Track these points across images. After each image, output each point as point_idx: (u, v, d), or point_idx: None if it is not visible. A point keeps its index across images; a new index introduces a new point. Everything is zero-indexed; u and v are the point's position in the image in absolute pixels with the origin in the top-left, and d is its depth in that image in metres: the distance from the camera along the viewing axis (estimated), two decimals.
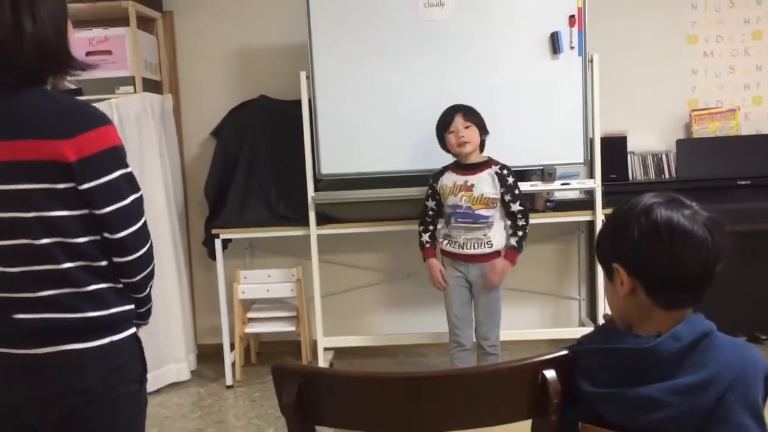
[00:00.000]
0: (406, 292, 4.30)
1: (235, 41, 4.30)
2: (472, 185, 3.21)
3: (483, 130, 3.26)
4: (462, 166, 3.27)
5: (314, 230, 3.86)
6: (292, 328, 4.05)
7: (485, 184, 3.22)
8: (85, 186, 1.40)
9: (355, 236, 4.12)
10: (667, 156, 4.07)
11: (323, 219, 3.93)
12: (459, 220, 3.23)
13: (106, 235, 1.45)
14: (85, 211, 1.43)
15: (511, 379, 1.21)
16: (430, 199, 3.37)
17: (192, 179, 4.34)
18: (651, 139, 4.16)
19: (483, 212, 3.21)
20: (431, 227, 3.39)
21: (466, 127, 3.21)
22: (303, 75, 3.71)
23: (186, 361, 4.04)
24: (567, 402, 1.21)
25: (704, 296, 1.23)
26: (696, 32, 4.15)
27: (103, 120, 1.44)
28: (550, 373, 1.20)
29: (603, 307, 3.79)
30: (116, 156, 1.45)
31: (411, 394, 1.16)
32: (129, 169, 1.48)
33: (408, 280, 4.24)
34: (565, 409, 1.21)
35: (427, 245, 3.38)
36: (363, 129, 3.71)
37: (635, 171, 4.07)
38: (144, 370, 1.57)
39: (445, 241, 3.30)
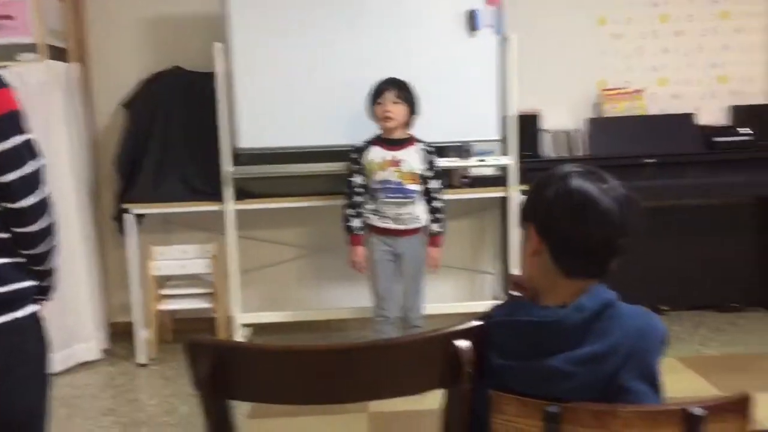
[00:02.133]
0: (327, 267, 4.30)
1: (148, 9, 4.15)
2: (401, 160, 3.26)
3: (413, 110, 3.28)
4: (388, 141, 3.30)
5: (231, 205, 3.80)
6: (209, 305, 3.99)
7: (413, 159, 3.29)
8: None
9: (275, 211, 4.08)
10: (578, 134, 4.19)
11: (241, 194, 3.87)
12: (390, 195, 3.27)
13: (6, 204, 1.38)
14: None
15: (425, 349, 1.24)
16: (355, 175, 3.36)
17: (103, 152, 4.18)
18: (563, 117, 4.28)
19: (412, 187, 3.26)
20: (360, 209, 3.37)
21: (395, 103, 3.23)
22: (218, 46, 3.62)
23: (96, 339, 3.92)
24: (479, 373, 1.25)
25: (609, 270, 1.28)
26: (606, 14, 4.28)
27: None
28: (462, 344, 1.23)
29: None
30: (14, 121, 1.38)
31: (325, 367, 1.17)
32: (29, 136, 1.41)
33: (329, 255, 4.24)
34: (477, 380, 1.24)
35: (357, 232, 3.37)
36: (282, 103, 3.67)
37: (548, 148, 4.18)
38: (47, 349, 1.51)
39: (375, 217, 3.32)
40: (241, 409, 3.18)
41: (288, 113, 3.66)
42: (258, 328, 4.18)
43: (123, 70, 4.13)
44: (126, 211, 3.80)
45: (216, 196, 3.81)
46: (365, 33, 3.64)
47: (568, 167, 1.30)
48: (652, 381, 1.21)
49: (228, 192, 3.78)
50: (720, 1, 4.28)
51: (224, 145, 3.70)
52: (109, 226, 4.17)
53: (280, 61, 3.64)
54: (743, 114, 4.20)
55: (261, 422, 3.08)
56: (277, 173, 3.80)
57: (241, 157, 3.77)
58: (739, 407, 1.18)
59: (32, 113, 1.54)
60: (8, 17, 3.54)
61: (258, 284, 4.30)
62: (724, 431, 1.17)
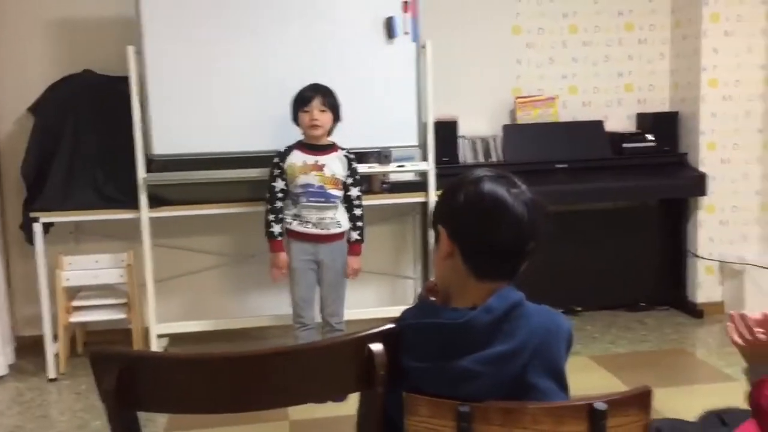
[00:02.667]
0: (247, 274, 4.24)
1: (57, 11, 3.99)
2: (323, 165, 3.26)
3: (337, 117, 3.29)
4: (311, 147, 3.30)
5: (146, 213, 3.70)
6: (123, 316, 3.87)
7: (335, 165, 3.30)
8: None
9: (193, 219, 4.00)
10: (494, 140, 4.29)
11: (157, 201, 3.77)
12: (311, 199, 3.26)
13: None
14: None
15: (339, 353, 1.24)
16: (277, 179, 3.34)
17: (8, 158, 4.00)
18: (480, 123, 4.37)
19: (334, 192, 3.27)
20: (281, 215, 3.34)
21: (322, 111, 3.24)
22: (131, 50, 3.53)
23: (2, 354, 3.74)
24: (393, 375, 1.26)
25: (518, 272, 1.31)
26: (520, 23, 4.41)
27: None
28: (376, 347, 1.24)
29: None
30: None
31: (236, 374, 1.16)
32: None
33: (250, 262, 4.18)
34: (391, 383, 1.25)
35: (278, 237, 3.34)
36: (198, 108, 3.60)
37: (465, 154, 4.26)
38: None
39: (295, 222, 3.30)
40: (158, 422, 3.10)
41: (204, 119, 3.60)
42: (176, 339, 4.08)
43: (30, 73, 3.96)
44: (34, 219, 3.64)
45: (130, 203, 3.71)
46: (283, 39, 3.62)
47: (479, 172, 1.33)
48: (558, 378, 1.25)
49: (143, 199, 3.68)
50: (624, 14, 4.48)
51: (138, 151, 3.61)
52: (14, 236, 3.99)
53: (196, 66, 3.57)
54: (648, 121, 4.40)
55: None
56: (194, 180, 3.72)
57: (156, 164, 3.68)
58: (639, 401, 1.24)
59: None
60: None
61: (175, 293, 4.20)
62: (626, 424, 1.22)
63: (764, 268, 4.16)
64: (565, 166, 4.20)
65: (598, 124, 4.37)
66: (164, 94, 3.56)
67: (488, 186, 1.28)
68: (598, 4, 4.44)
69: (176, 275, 4.18)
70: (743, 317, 1.41)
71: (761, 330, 1.39)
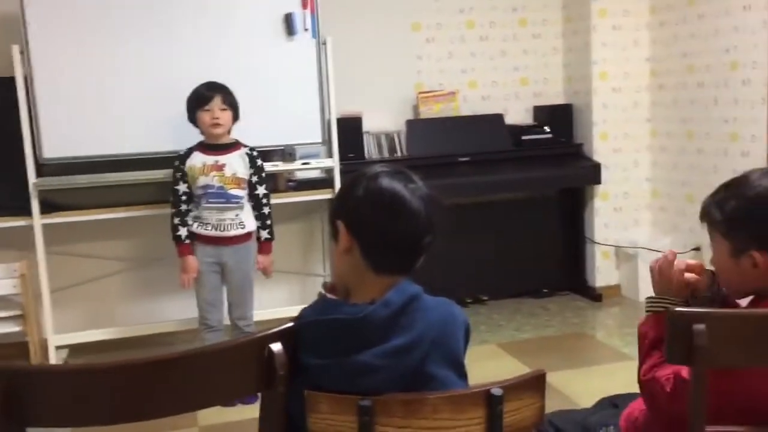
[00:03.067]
0: (152, 279, 4.11)
1: None
2: (224, 165, 3.21)
3: (236, 115, 3.24)
4: (211, 147, 3.24)
5: (38, 219, 3.54)
6: (19, 328, 3.69)
7: (237, 164, 3.24)
8: None
9: (92, 224, 3.84)
10: (398, 135, 4.34)
11: (50, 207, 3.61)
12: (211, 200, 3.19)
13: None
14: None
15: (238, 355, 1.23)
16: (180, 183, 3.26)
17: None
18: (384, 119, 4.41)
19: (235, 192, 3.21)
20: (186, 217, 3.26)
21: (223, 110, 3.18)
22: (15, 49, 3.36)
23: None
24: (294, 374, 1.26)
25: (415, 266, 1.33)
26: (419, 20, 4.47)
27: None
28: (276, 347, 1.23)
29: None
30: None
31: (134, 382, 1.13)
32: None
33: (154, 267, 4.05)
34: (292, 382, 1.25)
35: (186, 241, 3.25)
36: (91, 109, 3.48)
37: (371, 150, 4.29)
38: None
39: (196, 224, 3.23)
40: None
41: (98, 120, 3.48)
42: (77, 350, 3.91)
43: None
44: None
45: (22, 210, 3.54)
46: (180, 37, 3.53)
47: (376, 167, 1.35)
48: (457, 367, 1.29)
49: (34, 205, 3.52)
50: (518, 9, 4.61)
51: (27, 155, 3.44)
52: None
53: (86, 66, 3.44)
54: (544, 113, 4.56)
55: None
56: (88, 183, 3.58)
57: (47, 168, 3.52)
58: (534, 384, 1.29)
59: None
60: None
61: (75, 302, 4.03)
62: (522, 407, 1.27)
63: (655, 251, 4.38)
64: (468, 159, 4.29)
65: (498, 118, 4.49)
66: (53, 96, 3.41)
67: (386, 181, 1.30)
68: (493, 0, 4.55)
69: (75, 283, 4.01)
70: (676, 259, 1.55)
71: (690, 273, 1.54)
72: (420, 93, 4.44)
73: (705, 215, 1.50)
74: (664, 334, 1.40)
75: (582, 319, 4.24)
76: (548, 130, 4.44)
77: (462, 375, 1.29)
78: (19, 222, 3.56)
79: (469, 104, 4.57)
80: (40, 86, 3.39)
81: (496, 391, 1.21)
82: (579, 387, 3.15)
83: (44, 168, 3.53)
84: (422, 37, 4.49)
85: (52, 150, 3.45)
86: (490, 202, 4.49)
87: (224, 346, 1.22)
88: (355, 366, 1.21)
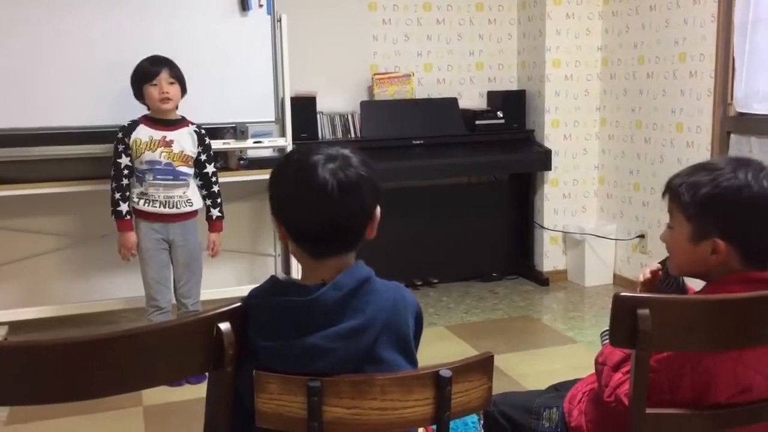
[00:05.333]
0: (94, 256, 4.02)
1: None
2: (172, 141, 3.14)
3: (184, 89, 3.18)
4: (158, 122, 3.16)
5: None
6: None
7: (185, 141, 3.18)
8: None
9: (31, 198, 3.72)
10: (353, 116, 4.32)
11: None
12: (158, 177, 3.12)
13: None
14: None
15: (186, 334, 1.20)
16: (122, 156, 3.15)
17: None
18: (339, 99, 4.38)
19: (183, 169, 3.15)
20: (128, 192, 3.17)
21: (171, 84, 3.11)
22: None
23: None
24: (244, 355, 1.24)
25: (351, 247, 1.28)
26: (375, 0, 4.43)
27: None
28: (224, 326, 1.22)
29: (296, 263, 3.94)
30: None
31: (73, 361, 1.09)
32: None
33: (97, 243, 3.96)
34: (240, 363, 1.23)
35: (126, 216, 3.17)
36: (35, 81, 3.36)
37: (324, 130, 4.26)
38: None
39: (141, 201, 3.15)
40: None
41: (35, 93, 3.35)
42: (17, 327, 3.81)
43: None
44: None
45: None
46: (127, 8, 3.43)
47: (296, 151, 1.32)
48: (406, 351, 1.29)
49: None
50: None
51: None
52: None
53: (28, 36, 3.31)
54: (498, 99, 4.59)
55: (20, 428, 2.82)
56: (27, 156, 3.47)
57: None
58: (482, 366, 1.30)
59: None
60: None
61: (14, 278, 3.92)
62: (470, 389, 1.28)
63: (601, 237, 4.48)
64: (421, 142, 4.30)
65: (452, 102, 4.50)
66: None
67: (296, 163, 1.26)
68: None
69: (14, 259, 3.89)
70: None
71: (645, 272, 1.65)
72: (375, 74, 4.41)
73: (672, 193, 1.48)
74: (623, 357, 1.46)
75: (529, 302, 4.31)
76: (501, 115, 4.48)
77: (411, 360, 1.29)
78: None
79: (424, 87, 4.57)
80: None
81: (445, 373, 1.22)
82: (524, 369, 3.20)
83: None
84: (378, 18, 4.46)
85: None
86: (443, 185, 4.51)
87: (171, 324, 1.19)
88: (305, 348, 1.20)
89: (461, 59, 4.65)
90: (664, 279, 1.60)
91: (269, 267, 4.42)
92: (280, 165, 1.30)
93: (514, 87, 4.75)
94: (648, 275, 1.63)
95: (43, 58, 3.36)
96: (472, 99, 4.69)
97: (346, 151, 1.28)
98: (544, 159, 4.50)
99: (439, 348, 3.47)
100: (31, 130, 3.40)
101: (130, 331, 1.12)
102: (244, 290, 3.90)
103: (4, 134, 3.39)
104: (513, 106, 4.55)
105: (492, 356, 1.30)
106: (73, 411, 2.79)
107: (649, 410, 1.38)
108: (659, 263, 1.61)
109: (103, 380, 1.14)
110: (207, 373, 1.26)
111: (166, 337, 1.18)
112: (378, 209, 1.30)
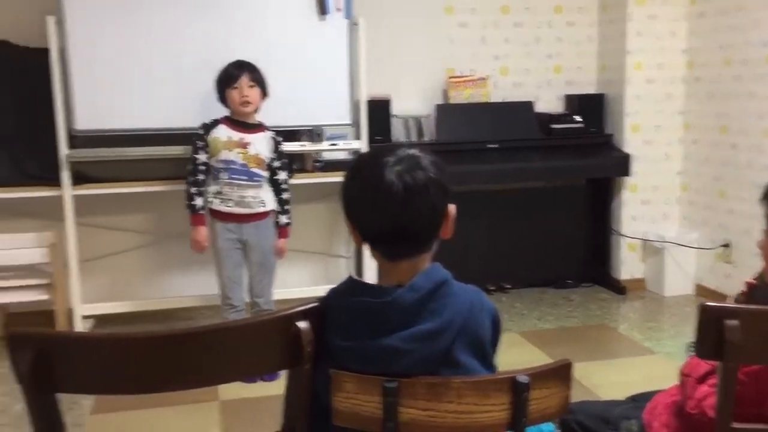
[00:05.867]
0: (173, 254, 4.15)
1: None
2: (248, 143, 3.21)
3: (264, 93, 3.24)
4: (238, 123, 3.24)
5: (69, 190, 3.58)
6: (47, 297, 3.75)
7: (261, 145, 3.24)
8: None
9: (118, 197, 3.88)
10: (427, 119, 4.31)
11: (80, 178, 3.66)
12: (233, 176, 3.19)
13: None
14: None
15: (265, 331, 1.23)
16: (200, 152, 3.24)
17: None
18: (413, 102, 4.38)
19: (257, 171, 3.21)
20: (203, 188, 3.26)
21: (251, 87, 3.18)
22: (51, 20, 3.38)
23: None
24: (320, 354, 1.25)
25: (426, 249, 1.27)
26: (452, 4, 4.42)
27: None
28: (303, 324, 1.23)
29: (368, 264, 3.97)
30: None
31: (161, 353, 1.13)
32: None
33: (176, 241, 4.09)
34: (317, 361, 1.25)
35: (200, 211, 3.26)
36: (125, 82, 3.50)
37: (398, 133, 4.27)
38: None
39: (217, 200, 3.23)
40: (84, 405, 3.02)
41: (129, 94, 3.50)
42: (102, 320, 3.97)
43: None
44: None
45: (52, 180, 3.58)
46: (214, 12, 3.53)
47: (366, 153, 1.32)
48: (482, 354, 1.27)
49: (65, 176, 3.56)
50: None
51: (60, 126, 3.48)
52: None
53: (120, 38, 3.45)
54: (575, 102, 4.50)
55: (105, 417, 2.94)
56: (119, 156, 3.62)
57: (79, 140, 3.56)
58: (560, 373, 1.28)
59: None
60: None
61: (100, 274, 4.09)
62: (547, 395, 1.26)
63: (683, 246, 4.33)
64: (496, 146, 4.25)
65: (527, 105, 4.44)
66: (87, 67, 3.44)
67: (365, 165, 1.26)
68: None
69: (101, 255, 4.06)
70: None
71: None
72: (450, 78, 4.40)
73: None
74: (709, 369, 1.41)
75: (605, 311, 4.20)
76: (579, 119, 4.39)
77: (488, 364, 1.27)
78: (49, 192, 3.60)
79: (500, 90, 4.52)
80: (75, 58, 3.41)
81: (522, 378, 1.20)
82: (599, 379, 3.13)
83: (75, 140, 3.56)
84: (455, 21, 4.45)
85: (84, 122, 3.48)
86: (517, 189, 4.45)
87: (250, 321, 1.22)
88: (381, 349, 1.20)
89: (539, 62, 4.59)
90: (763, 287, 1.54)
91: (342, 268, 4.46)
92: (351, 167, 1.31)
93: (593, 90, 4.64)
94: (744, 289, 1.57)
95: (137, 62, 3.49)
96: (550, 102, 4.61)
97: (416, 152, 1.26)
98: (623, 164, 4.38)
99: (512, 354, 3.41)
100: (125, 131, 3.55)
101: (211, 326, 1.15)
102: (317, 291, 3.95)
103: (92, 135, 3.54)
104: (591, 110, 4.45)
105: (570, 363, 1.28)
106: (153, 403, 2.88)
107: (735, 425, 1.32)
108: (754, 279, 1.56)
109: (183, 374, 1.18)
110: (280, 372, 1.28)
111: (245, 333, 1.20)
112: (452, 208, 1.28)
